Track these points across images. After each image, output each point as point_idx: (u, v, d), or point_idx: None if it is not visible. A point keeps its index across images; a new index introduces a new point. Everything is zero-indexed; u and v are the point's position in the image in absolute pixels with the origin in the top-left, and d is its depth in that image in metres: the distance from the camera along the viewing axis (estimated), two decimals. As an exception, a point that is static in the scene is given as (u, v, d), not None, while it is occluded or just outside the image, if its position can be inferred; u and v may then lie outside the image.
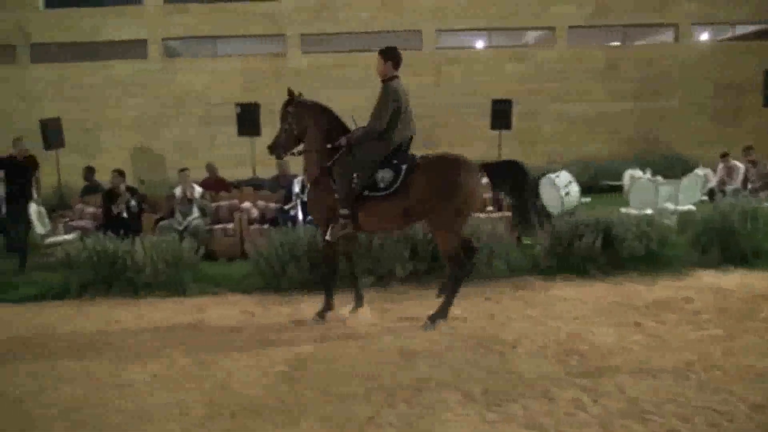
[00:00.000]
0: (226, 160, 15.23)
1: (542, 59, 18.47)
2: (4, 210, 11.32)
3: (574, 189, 9.32)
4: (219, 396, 4.72)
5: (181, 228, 9.53)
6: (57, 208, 12.14)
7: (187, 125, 17.65)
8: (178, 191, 10.05)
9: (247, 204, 10.26)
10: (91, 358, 5.71)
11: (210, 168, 11.77)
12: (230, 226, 9.83)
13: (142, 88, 17.50)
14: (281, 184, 10.96)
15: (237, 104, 15.06)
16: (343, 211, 6.13)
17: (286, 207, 9.83)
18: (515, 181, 6.35)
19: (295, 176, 10.31)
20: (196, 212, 9.91)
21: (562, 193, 9.17)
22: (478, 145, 16.95)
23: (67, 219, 10.45)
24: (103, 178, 12.59)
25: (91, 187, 12.15)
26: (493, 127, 14.88)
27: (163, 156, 17.41)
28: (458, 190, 5.96)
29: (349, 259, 6.77)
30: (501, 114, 14.88)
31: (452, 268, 6.24)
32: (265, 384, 4.92)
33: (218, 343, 5.94)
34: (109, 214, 9.82)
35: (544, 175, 9.77)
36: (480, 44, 19.46)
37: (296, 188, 9.73)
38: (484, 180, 6.48)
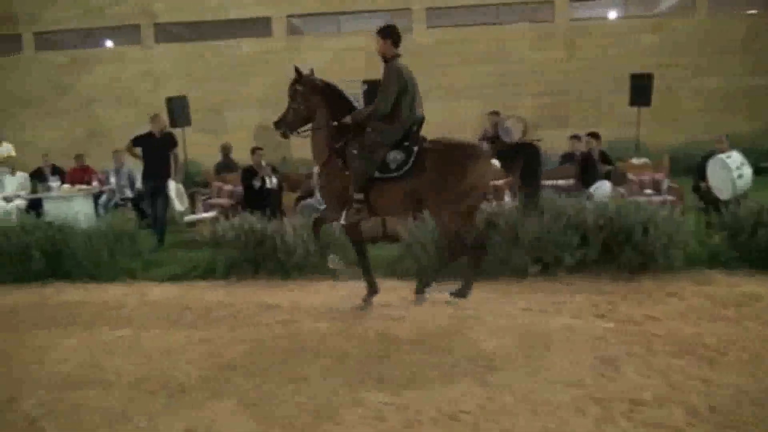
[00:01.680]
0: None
1: (680, 29, 17.20)
2: (139, 186, 11.45)
3: (747, 171, 8.38)
4: (410, 400, 4.30)
5: (322, 207, 9.22)
6: (185, 185, 12.16)
7: (310, 103, 17.35)
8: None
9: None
10: (255, 346, 5.43)
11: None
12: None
13: (267, 66, 17.33)
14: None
15: (363, 81, 14.75)
16: (357, 195, 6.04)
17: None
18: (528, 165, 6.05)
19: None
20: (334, 192, 9.61)
21: (735, 175, 8.27)
22: (613, 122, 16.01)
23: (205, 197, 10.38)
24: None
25: (225, 165, 12.08)
26: (632, 103, 13.85)
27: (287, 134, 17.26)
28: (465, 175, 5.75)
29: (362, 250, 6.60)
30: (640, 89, 13.82)
31: (447, 249, 6.15)
32: (457, 389, 4.41)
33: (387, 334, 5.54)
34: (250, 191, 9.64)
35: (712, 155, 8.88)
36: (613, 15, 18.33)
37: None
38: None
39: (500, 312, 5.99)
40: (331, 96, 6.32)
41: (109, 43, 19.44)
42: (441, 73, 16.97)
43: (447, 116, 16.58)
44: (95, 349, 5.60)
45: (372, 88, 14.73)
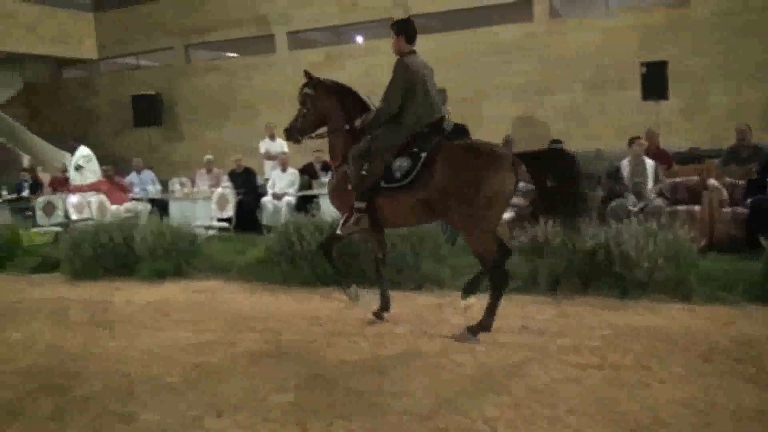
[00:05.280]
0: (617, 129, 13.53)
1: None
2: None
3: None
4: None
5: (636, 209, 8.03)
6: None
7: (575, 90, 16.05)
8: (626, 164, 8.57)
9: (713, 181, 8.38)
10: (617, 382, 4.42)
11: (650, 135, 10.09)
12: (696, 208, 8.10)
13: (527, 52, 16.29)
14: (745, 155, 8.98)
15: (642, 64, 13.37)
16: (358, 204, 5.66)
17: None
18: (559, 174, 5.48)
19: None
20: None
21: None
22: None
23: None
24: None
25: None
26: None
27: (547, 125, 16.13)
28: (484, 184, 5.17)
29: (378, 261, 6.24)
30: None
31: (487, 270, 5.48)
32: None
33: None
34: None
35: None
36: None
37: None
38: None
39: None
40: (344, 98, 6.10)
41: (358, 38, 19.49)
42: (721, 51, 14.67)
43: (729, 102, 14.49)
44: (442, 378, 4.80)
45: (652, 70, 13.27)
